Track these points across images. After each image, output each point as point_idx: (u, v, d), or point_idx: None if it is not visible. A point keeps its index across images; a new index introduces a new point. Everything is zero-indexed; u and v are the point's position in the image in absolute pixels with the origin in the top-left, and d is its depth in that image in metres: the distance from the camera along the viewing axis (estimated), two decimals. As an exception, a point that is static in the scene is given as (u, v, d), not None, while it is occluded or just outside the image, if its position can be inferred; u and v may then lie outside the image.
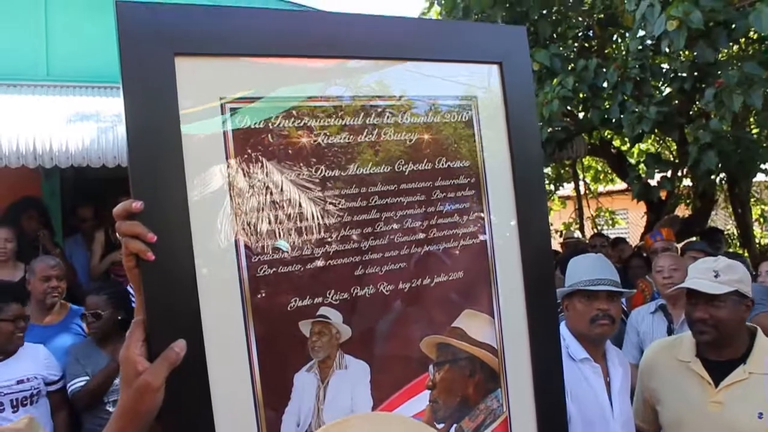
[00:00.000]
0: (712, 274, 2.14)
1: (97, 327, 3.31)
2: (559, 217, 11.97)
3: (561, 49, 5.69)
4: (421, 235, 1.28)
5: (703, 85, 4.95)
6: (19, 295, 3.20)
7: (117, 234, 1.00)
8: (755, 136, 5.95)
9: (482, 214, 1.36)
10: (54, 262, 3.63)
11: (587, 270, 2.21)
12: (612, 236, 7.81)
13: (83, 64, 5.75)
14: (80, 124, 4.79)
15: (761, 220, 11.19)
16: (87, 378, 3.20)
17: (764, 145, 5.26)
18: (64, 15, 5.89)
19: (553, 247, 1.60)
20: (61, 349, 3.36)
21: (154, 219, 0.99)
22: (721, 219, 10.54)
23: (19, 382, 3.03)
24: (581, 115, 6.56)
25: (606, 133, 7.45)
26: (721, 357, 2.16)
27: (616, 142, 8.38)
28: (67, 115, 4.90)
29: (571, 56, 6.04)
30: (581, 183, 10.51)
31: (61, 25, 5.89)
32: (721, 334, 2.12)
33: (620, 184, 10.29)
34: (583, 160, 9.78)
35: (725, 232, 8.29)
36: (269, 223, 1.11)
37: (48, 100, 5.28)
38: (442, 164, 1.31)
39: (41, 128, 4.61)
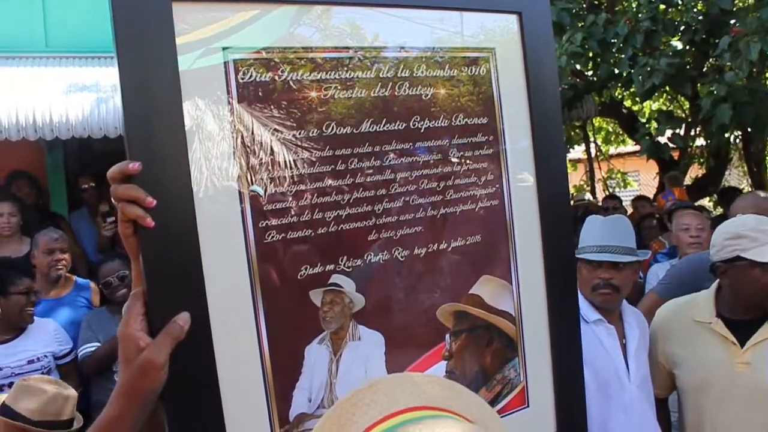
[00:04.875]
0: None
1: (123, 291, 3.27)
2: (570, 179, 11.83)
3: (570, 4, 5.53)
4: (438, 197, 1.21)
5: (716, 40, 4.80)
6: (27, 270, 3.22)
7: (112, 199, 0.92)
8: (772, 88, 5.77)
9: (500, 175, 1.29)
10: (57, 235, 3.59)
11: (595, 235, 2.16)
12: (623, 198, 7.72)
13: (82, 35, 5.66)
14: (80, 95, 4.73)
15: (776, 178, 11.04)
16: (97, 344, 3.21)
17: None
18: (61, -15, 5.77)
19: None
20: (67, 323, 3.35)
21: (153, 181, 0.91)
22: (735, 178, 10.39)
23: (30, 362, 3.02)
24: (590, 73, 6.42)
25: (617, 93, 7.30)
26: (744, 316, 2.08)
27: (627, 102, 8.23)
28: (67, 86, 4.85)
29: (581, 12, 5.87)
30: (592, 145, 10.38)
31: (58, -4, 5.77)
32: None
33: (632, 146, 10.17)
34: (594, 121, 9.66)
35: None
36: (277, 184, 1.03)
37: (47, 72, 5.22)
38: (459, 121, 1.23)
39: (41, 100, 4.56)
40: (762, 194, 3.54)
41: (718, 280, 2.20)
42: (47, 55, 5.57)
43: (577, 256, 2.12)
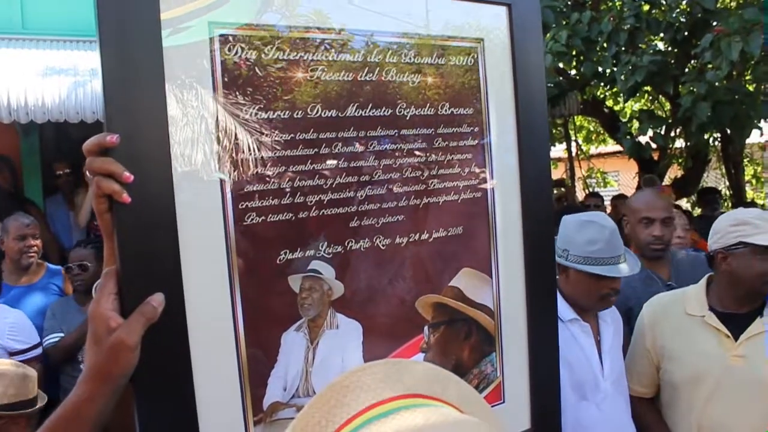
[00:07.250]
0: None
1: (82, 280, 3.19)
2: (549, 177, 11.85)
3: (555, 2, 5.54)
4: (421, 186, 1.19)
5: (698, 42, 4.85)
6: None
7: (86, 172, 0.89)
8: (751, 90, 5.82)
9: (484, 166, 1.28)
10: (28, 221, 3.47)
11: (602, 247, 2.02)
12: (605, 196, 7.79)
13: (59, 17, 5.53)
14: (56, 78, 4.61)
15: (753, 181, 11.21)
16: (61, 334, 3.14)
17: (760, 99, 5.13)
18: (38, -34, 5.65)
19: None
20: (37, 310, 3.26)
21: (131, 156, 0.88)
22: (713, 180, 10.50)
23: None
24: (574, 72, 6.45)
25: (599, 92, 7.33)
26: (735, 309, 2.10)
27: (609, 102, 8.28)
28: (43, 68, 4.73)
29: (565, 10, 5.89)
30: (573, 143, 10.41)
31: (35, -24, 5.64)
32: None
33: (612, 146, 10.21)
34: (576, 120, 9.68)
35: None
36: (258, 166, 1.00)
37: (23, 54, 5.09)
38: (446, 110, 1.22)
39: (16, 82, 4.44)
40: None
41: (707, 275, 2.22)
42: (24, 36, 5.43)
43: (586, 269, 2.01)
